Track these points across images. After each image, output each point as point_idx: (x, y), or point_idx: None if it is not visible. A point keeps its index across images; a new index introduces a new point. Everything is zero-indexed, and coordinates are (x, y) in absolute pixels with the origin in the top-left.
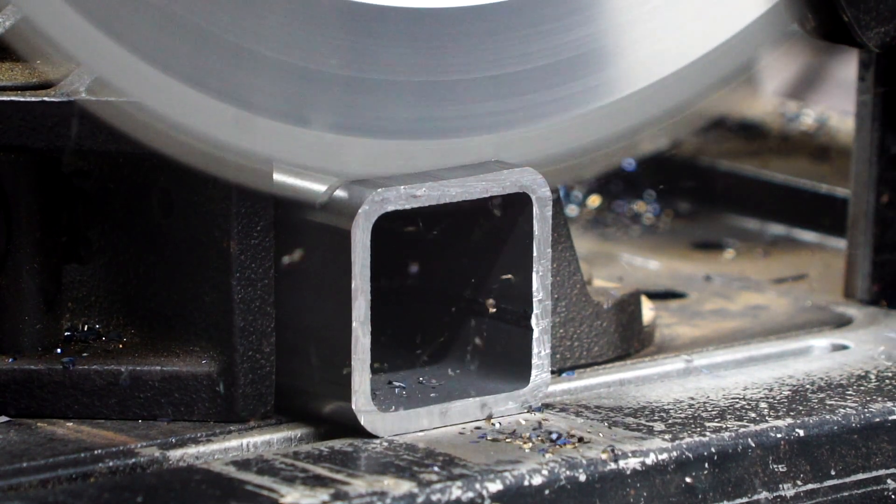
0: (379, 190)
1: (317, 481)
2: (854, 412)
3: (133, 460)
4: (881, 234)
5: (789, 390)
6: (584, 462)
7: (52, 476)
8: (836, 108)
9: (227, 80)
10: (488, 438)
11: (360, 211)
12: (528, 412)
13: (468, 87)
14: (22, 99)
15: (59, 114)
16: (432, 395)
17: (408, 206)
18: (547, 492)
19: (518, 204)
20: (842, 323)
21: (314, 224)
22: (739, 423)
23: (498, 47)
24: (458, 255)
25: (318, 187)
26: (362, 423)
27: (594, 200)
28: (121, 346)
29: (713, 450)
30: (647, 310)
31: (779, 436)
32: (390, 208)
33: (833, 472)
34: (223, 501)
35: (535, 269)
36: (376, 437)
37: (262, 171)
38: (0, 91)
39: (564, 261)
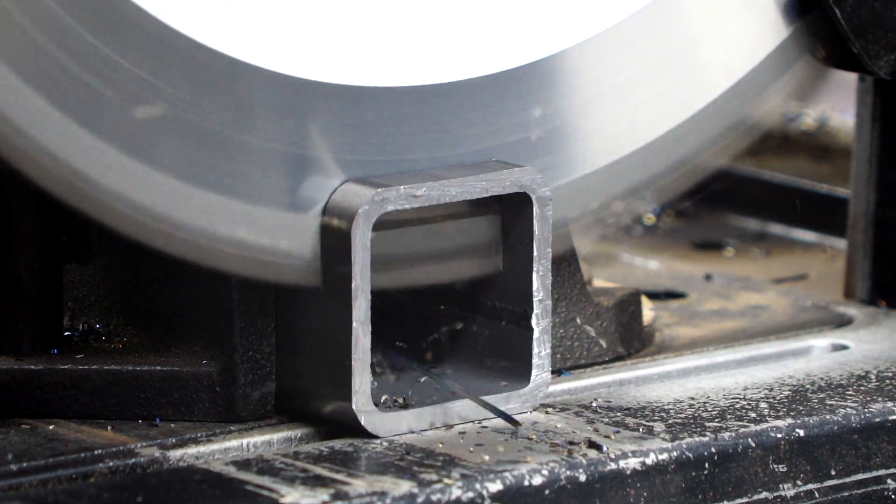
0: (379, 190)
1: (317, 481)
2: (854, 412)
3: (133, 460)
4: (881, 234)
5: (789, 390)
6: (584, 462)
7: (52, 476)
8: (836, 108)
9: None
10: (488, 438)
11: (360, 211)
12: (528, 412)
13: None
14: None
15: None
16: (432, 395)
17: (408, 206)
18: (547, 492)
19: (518, 204)
20: (842, 323)
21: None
22: (739, 423)
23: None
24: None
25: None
26: (362, 423)
27: None
28: (121, 346)
29: (713, 450)
30: (647, 310)
31: (779, 436)
32: (390, 208)
33: (833, 472)
34: (223, 501)
35: (535, 269)
36: (376, 437)
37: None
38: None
39: (564, 261)
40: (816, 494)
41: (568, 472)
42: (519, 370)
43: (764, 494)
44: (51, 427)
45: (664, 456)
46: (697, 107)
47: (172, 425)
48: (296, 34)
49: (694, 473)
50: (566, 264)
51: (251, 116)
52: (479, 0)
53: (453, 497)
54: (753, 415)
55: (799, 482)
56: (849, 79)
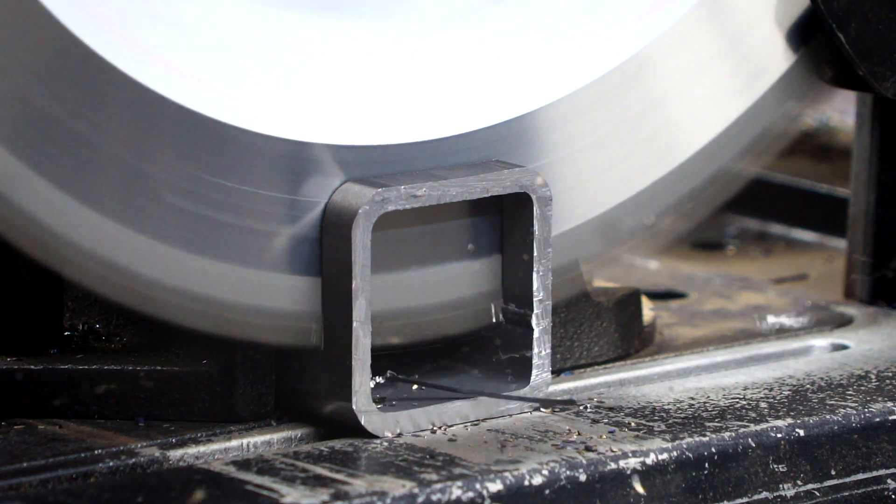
0: (379, 190)
1: (317, 481)
2: (854, 412)
3: (133, 460)
4: (881, 234)
5: (789, 390)
6: (584, 462)
7: (52, 476)
8: (836, 108)
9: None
10: (488, 438)
11: (360, 211)
12: (528, 412)
13: None
14: None
15: None
16: (432, 394)
17: (408, 206)
18: (547, 492)
19: (518, 204)
20: (842, 323)
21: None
22: (739, 423)
23: None
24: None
25: None
26: (362, 423)
27: None
28: (121, 346)
29: (713, 450)
30: (647, 310)
31: (779, 436)
32: (391, 208)
33: (833, 472)
34: (223, 501)
35: (535, 269)
36: (376, 437)
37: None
38: None
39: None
40: (816, 494)
41: (568, 472)
42: (519, 370)
43: (764, 494)
44: (51, 427)
45: (664, 456)
46: (690, 152)
47: (172, 425)
48: (292, 97)
49: (694, 473)
50: None
51: (247, 182)
52: (457, 64)
53: (453, 497)
54: (753, 415)
55: (799, 482)
56: None
